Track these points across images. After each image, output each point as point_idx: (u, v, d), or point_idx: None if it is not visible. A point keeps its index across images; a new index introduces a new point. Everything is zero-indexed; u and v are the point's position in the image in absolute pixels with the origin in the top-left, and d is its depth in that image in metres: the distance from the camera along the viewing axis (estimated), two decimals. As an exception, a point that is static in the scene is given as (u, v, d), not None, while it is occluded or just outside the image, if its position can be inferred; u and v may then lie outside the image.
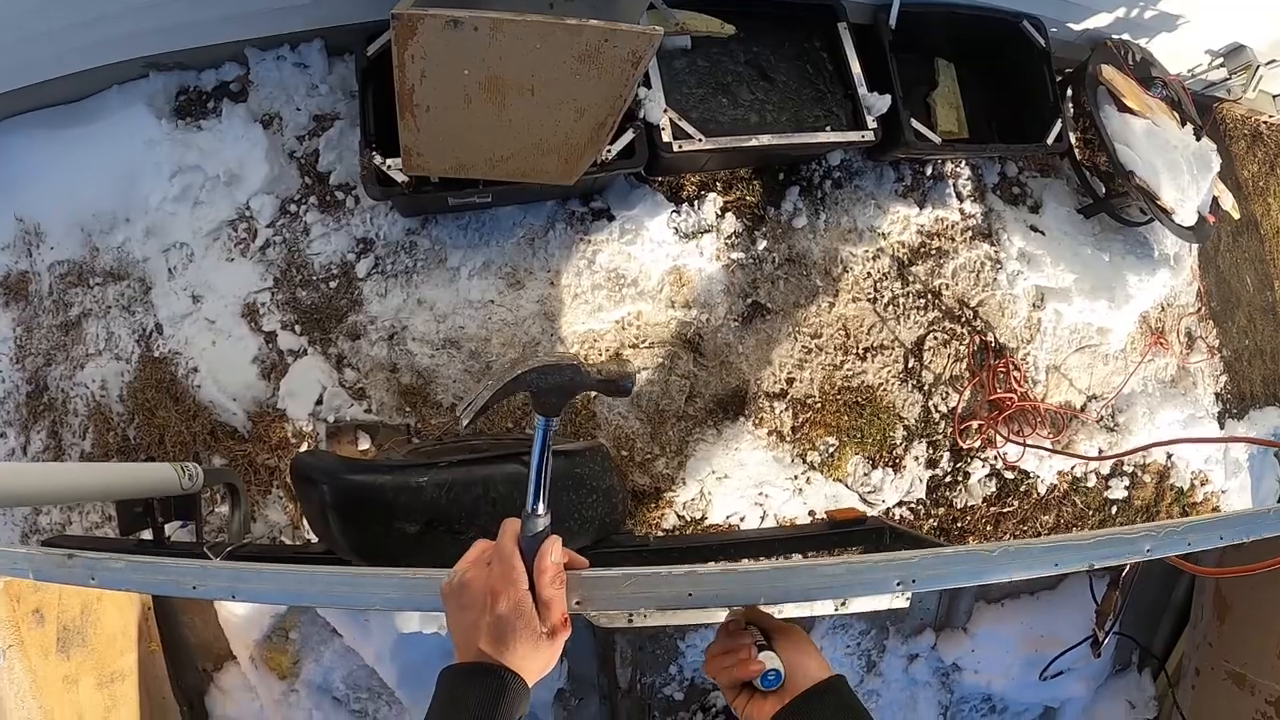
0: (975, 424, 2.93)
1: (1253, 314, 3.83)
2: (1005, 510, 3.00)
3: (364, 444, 2.49)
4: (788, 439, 2.67)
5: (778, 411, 2.67)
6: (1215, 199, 3.26)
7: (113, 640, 1.71)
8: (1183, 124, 3.20)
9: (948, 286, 2.93)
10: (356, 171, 2.45)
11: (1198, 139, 3.17)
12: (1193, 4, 3.11)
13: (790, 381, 2.70)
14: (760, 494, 2.64)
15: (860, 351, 2.79)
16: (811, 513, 2.68)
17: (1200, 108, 3.55)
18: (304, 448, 2.51)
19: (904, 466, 2.83)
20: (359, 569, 1.10)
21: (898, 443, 2.82)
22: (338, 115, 2.62)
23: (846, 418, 2.75)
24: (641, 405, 2.56)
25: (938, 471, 2.88)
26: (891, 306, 2.85)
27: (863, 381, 2.78)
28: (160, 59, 2.63)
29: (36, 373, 2.65)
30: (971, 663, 2.14)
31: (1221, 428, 3.57)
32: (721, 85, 2.57)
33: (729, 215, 2.71)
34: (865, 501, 2.77)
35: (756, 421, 2.65)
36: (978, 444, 2.94)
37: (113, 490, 1.95)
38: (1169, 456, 3.33)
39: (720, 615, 1.33)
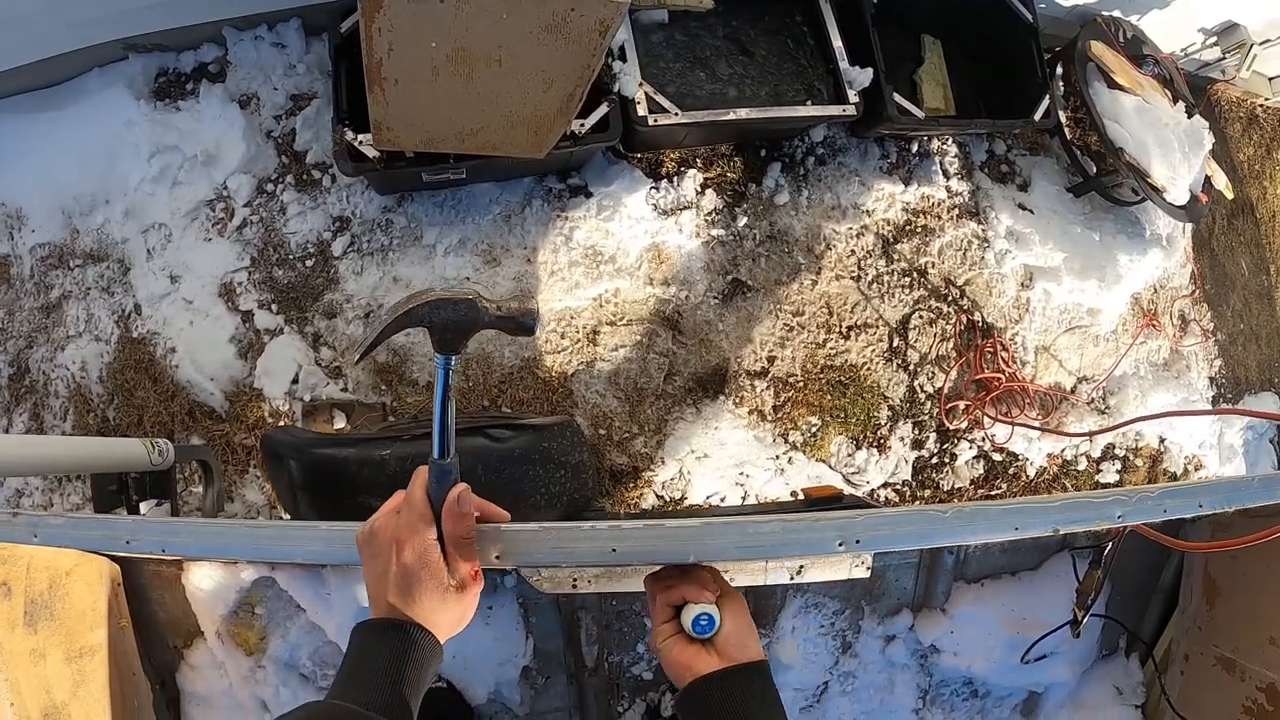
0: (962, 404, 2.83)
1: (1248, 298, 3.70)
2: (994, 493, 2.89)
3: (340, 423, 2.42)
4: (769, 418, 2.58)
5: (759, 390, 2.58)
6: (1208, 178, 3.14)
7: (82, 615, 1.66)
8: (1174, 101, 3.08)
9: (934, 265, 2.83)
10: (331, 149, 2.38)
11: (1189, 116, 3.05)
12: (1185, -21, 3.00)
13: (771, 360, 2.61)
14: (741, 474, 2.55)
15: (843, 330, 2.70)
16: (794, 493, 2.59)
17: (1194, 89, 3.43)
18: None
19: (889, 447, 2.73)
20: (283, 522, 1.04)
21: (882, 423, 2.72)
22: (315, 94, 2.55)
23: (830, 397, 2.65)
24: (619, 383, 2.48)
25: (923, 453, 2.78)
26: (876, 284, 2.75)
27: (846, 360, 2.69)
28: (139, 40, 2.57)
29: (18, 355, 2.59)
30: (951, 644, 2.05)
31: (1216, 413, 3.45)
32: (699, 60, 2.48)
33: (709, 192, 2.62)
34: (849, 483, 2.68)
35: (737, 400, 2.56)
36: (965, 425, 2.84)
37: (80, 463, 1.90)
38: (1162, 440, 3.21)
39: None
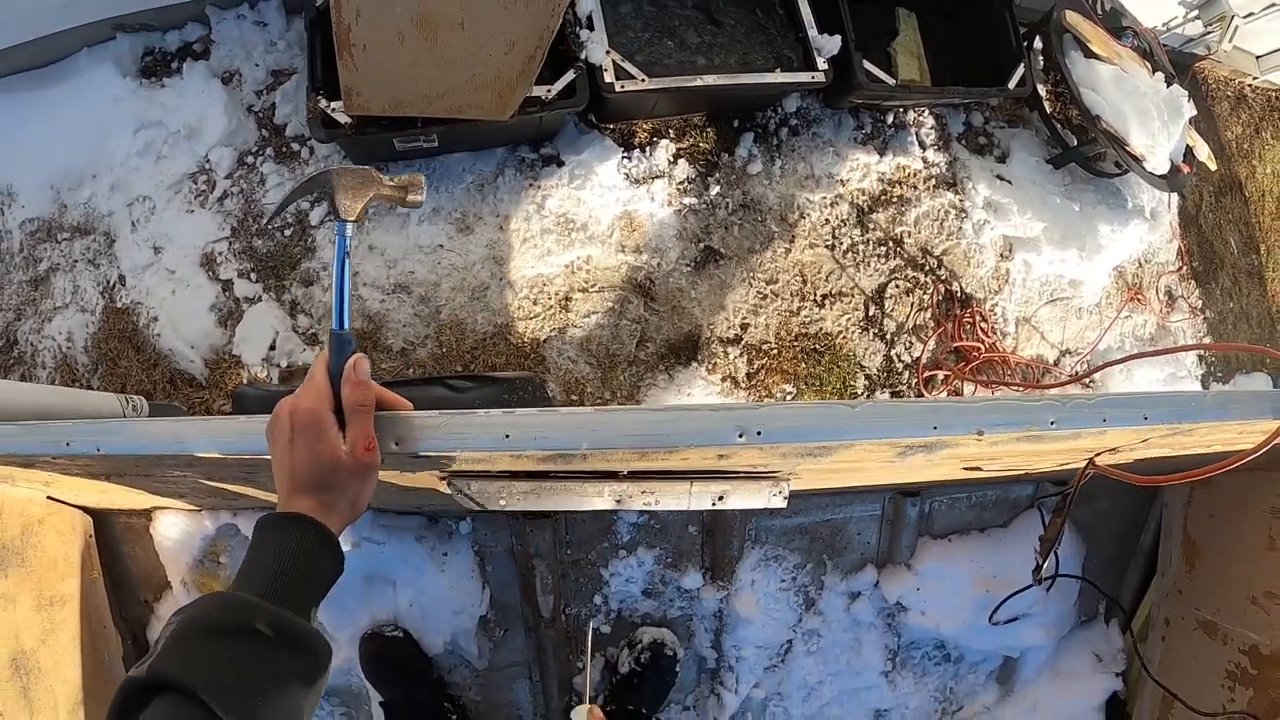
0: (941, 374, 2.76)
1: (1237, 276, 3.60)
2: (975, 464, 2.82)
3: (315, 389, 2.40)
4: (743, 385, 2.53)
5: (732, 358, 2.53)
6: (1190, 148, 3.07)
7: (54, 564, 1.64)
8: (1154, 73, 3.02)
9: (910, 234, 2.77)
10: (306, 118, 2.38)
11: (1168, 85, 2.98)
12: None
13: (745, 327, 2.56)
14: (715, 441, 2.50)
15: (818, 298, 2.65)
16: (769, 461, 2.54)
17: (1179, 66, 3.36)
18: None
19: (866, 417, 2.66)
20: (206, 418, 1.03)
21: (859, 392, 2.66)
22: (294, 70, 2.55)
23: (804, 365, 2.60)
24: (591, 350, 2.44)
25: (902, 422, 2.71)
26: (851, 254, 2.70)
27: (821, 329, 2.63)
28: (126, 20, 2.59)
29: (7, 327, 2.60)
30: (917, 602, 1.97)
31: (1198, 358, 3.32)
32: (668, 29, 2.46)
33: (681, 161, 2.59)
34: (826, 451, 2.62)
35: (710, 367, 2.52)
36: (944, 395, 2.77)
37: (49, 412, 1.88)
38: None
39: (598, 502, 1.21)
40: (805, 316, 2.62)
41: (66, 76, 2.63)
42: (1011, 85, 2.70)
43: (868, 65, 2.49)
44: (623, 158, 2.53)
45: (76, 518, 1.72)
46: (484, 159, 2.50)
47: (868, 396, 2.67)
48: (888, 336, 2.71)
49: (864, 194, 2.74)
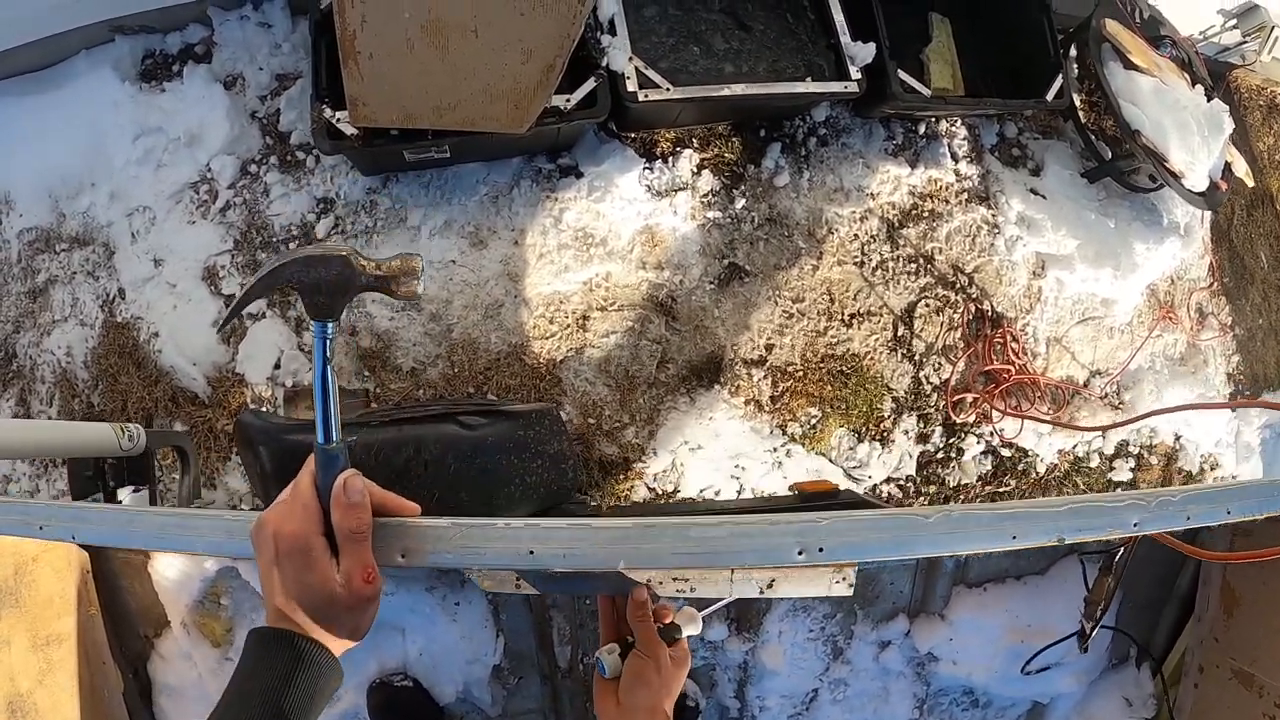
0: (970, 397, 2.60)
1: (1267, 291, 3.43)
2: (1001, 490, 2.67)
3: (321, 410, 2.26)
4: (766, 409, 2.38)
5: (756, 379, 2.37)
6: (1228, 164, 2.89)
7: (49, 602, 1.55)
8: (1193, 84, 2.83)
9: (941, 251, 2.60)
10: (310, 127, 2.22)
11: (1209, 100, 2.80)
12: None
13: (769, 348, 2.40)
14: (737, 466, 2.35)
15: (845, 318, 2.48)
16: (791, 487, 2.39)
17: (1214, 75, 3.17)
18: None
19: (892, 440, 2.51)
20: (188, 510, 0.90)
21: (886, 415, 2.51)
22: (300, 74, 2.39)
23: (830, 387, 2.44)
24: (610, 371, 2.29)
25: (929, 447, 2.56)
26: (880, 271, 2.53)
27: (848, 349, 2.47)
28: (125, 21, 2.42)
29: (5, 340, 2.46)
30: (949, 652, 1.83)
31: (1233, 411, 3.19)
32: (694, 34, 2.28)
33: (705, 172, 2.42)
34: (851, 477, 2.47)
35: (733, 390, 2.36)
36: (972, 419, 2.61)
37: (45, 448, 1.77)
38: (1177, 438, 2.96)
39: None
40: (832, 337, 2.46)
41: (64, 80, 2.48)
42: (1050, 97, 2.52)
43: (902, 75, 2.31)
44: (644, 169, 2.37)
45: (72, 553, 1.62)
46: (498, 169, 2.33)
47: (894, 420, 2.51)
48: (916, 357, 2.55)
49: (894, 208, 2.57)
